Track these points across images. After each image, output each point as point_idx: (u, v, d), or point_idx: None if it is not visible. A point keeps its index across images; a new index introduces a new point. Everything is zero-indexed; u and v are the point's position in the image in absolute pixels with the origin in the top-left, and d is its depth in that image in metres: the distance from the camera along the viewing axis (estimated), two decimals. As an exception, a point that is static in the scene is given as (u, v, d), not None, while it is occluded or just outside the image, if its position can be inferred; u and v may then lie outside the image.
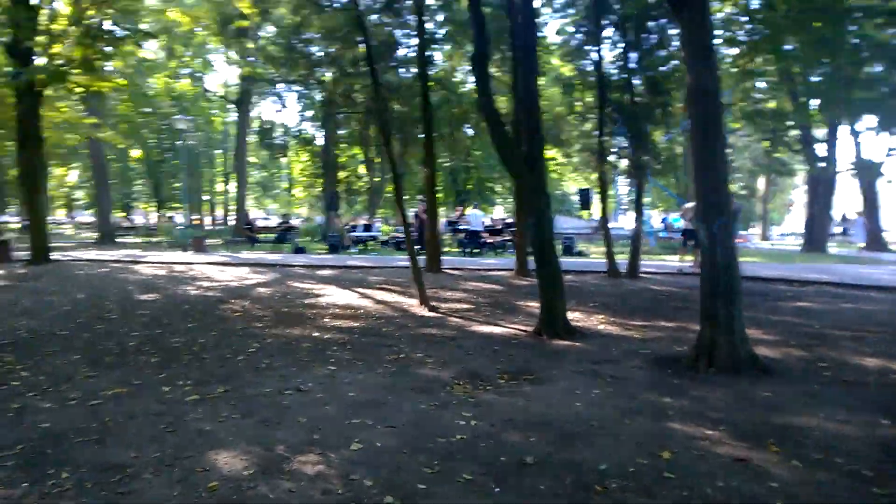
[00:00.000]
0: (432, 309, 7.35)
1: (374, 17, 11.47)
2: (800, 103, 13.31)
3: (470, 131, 18.43)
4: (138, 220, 40.30)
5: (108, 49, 13.51)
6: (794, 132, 14.38)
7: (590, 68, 11.50)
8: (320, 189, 26.81)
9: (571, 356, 5.08)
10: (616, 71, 11.17)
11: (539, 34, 11.04)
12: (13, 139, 14.08)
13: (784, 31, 7.58)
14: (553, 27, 16.70)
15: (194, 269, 12.35)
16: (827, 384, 4.20)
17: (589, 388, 4.11)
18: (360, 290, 9.23)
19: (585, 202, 15.63)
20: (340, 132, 24.38)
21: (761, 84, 12.72)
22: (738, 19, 9.81)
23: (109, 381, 4.22)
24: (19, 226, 26.65)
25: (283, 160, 34.44)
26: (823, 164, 16.78)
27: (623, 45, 10.70)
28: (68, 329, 6.09)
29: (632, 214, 13.39)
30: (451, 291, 9.10)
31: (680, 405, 3.74)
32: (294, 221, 24.88)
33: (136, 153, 33.08)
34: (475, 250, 16.59)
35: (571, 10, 11.81)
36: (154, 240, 23.96)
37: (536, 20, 8.36)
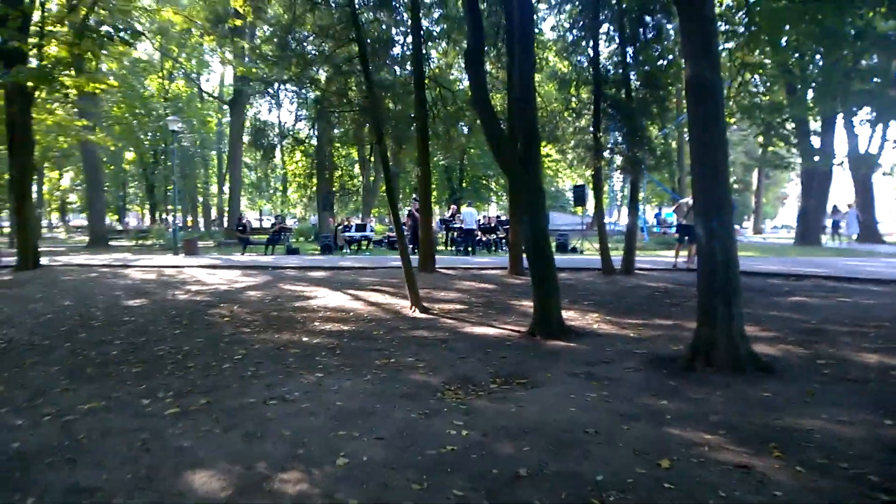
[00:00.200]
0: (424, 310, 7.22)
1: (368, 13, 11.30)
2: (797, 95, 13.19)
3: (465, 129, 18.30)
4: (132, 223, 40.03)
5: (100, 49, 13.23)
6: (790, 125, 14.29)
7: (586, 64, 11.39)
8: (314, 189, 26.64)
9: (566, 357, 4.96)
10: (612, 66, 11.07)
11: (535, 30, 10.90)
12: (2, 143, 13.79)
13: (783, 21, 7.44)
14: (549, 23, 16.58)
15: (184, 273, 12.17)
16: (827, 383, 4.09)
17: (584, 392, 3.98)
18: (352, 291, 9.09)
19: (580, 199, 15.53)
20: (334, 131, 24.19)
21: (757, 76, 12.59)
22: (737, 16, 9.67)
23: (87, 395, 4.06)
24: (9, 231, 26.38)
25: (277, 160, 34.23)
26: (818, 158, 16.74)
27: (619, 39, 10.58)
28: (49, 338, 5.93)
29: (625, 210, 13.27)
30: (444, 291, 8.97)
31: (678, 408, 3.62)
32: (289, 222, 24.71)
33: (129, 156, 32.81)
34: (468, 249, 16.48)
35: (567, 6, 11.69)
36: (147, 243, 23.75)
37: (533, 16, 8.20)
